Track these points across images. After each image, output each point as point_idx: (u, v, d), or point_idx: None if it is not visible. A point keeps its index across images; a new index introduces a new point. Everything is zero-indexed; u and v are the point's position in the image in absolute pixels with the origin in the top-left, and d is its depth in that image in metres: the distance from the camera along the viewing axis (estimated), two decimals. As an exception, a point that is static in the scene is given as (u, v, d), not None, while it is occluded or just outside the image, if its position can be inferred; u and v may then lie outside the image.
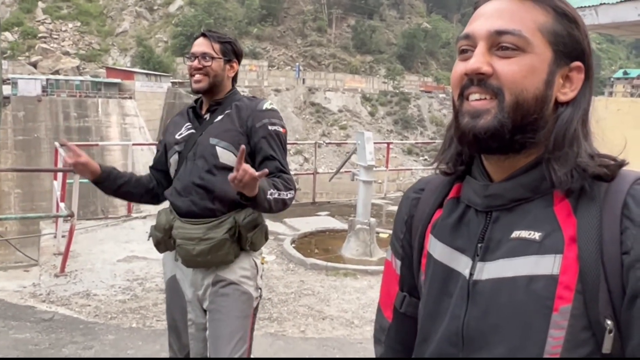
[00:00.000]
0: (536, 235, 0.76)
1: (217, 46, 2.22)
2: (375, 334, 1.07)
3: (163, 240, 2.23)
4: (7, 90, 42.02)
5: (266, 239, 2.31)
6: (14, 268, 5.89)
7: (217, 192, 2.14)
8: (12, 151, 41.20)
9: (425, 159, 57.76)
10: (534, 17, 0.78)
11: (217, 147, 2.15)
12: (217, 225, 2.13)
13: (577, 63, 0.80)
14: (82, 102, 47.06)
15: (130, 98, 50.31)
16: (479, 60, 0.78)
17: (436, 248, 0.90)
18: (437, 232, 0.90)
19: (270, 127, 2.17)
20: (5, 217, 6.53)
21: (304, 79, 67.15)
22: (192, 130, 2.25)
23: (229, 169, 2.09)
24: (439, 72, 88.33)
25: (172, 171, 2.30)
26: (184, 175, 2.20)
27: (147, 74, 56.46)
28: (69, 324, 4.03)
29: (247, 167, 1.74)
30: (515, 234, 0.78)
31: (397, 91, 70.10)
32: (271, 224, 7.68)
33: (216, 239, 2.11)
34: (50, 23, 75.35)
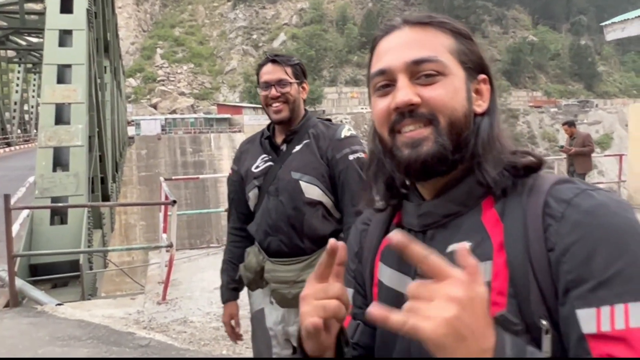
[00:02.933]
0: (465, 244, 0.74)
1: (289, 70, 2.09)
2: None
3: (254, 280, 2.18)
4: (131, 131, 46.04)
5: None
6: (122, 296, 6.35)
7: (305, 230, 2.05)
8: (136, 186, 44.78)
9: (539, 177, 54.81)
10: (441, 41, 0.82)
11: (300, 182, 2.04)
12: (309, 264, 2.05)
13: (483, 76, 0.85)
14: (196, 138, 50.29)
15: (240, 131, 53.00)
16: (407, 92, 0.79)
17: (385, 274, 0.90)
18: (386, 259, 0.91)
19: (351, 157, 2.05)
20: (113, 249, 7.15)
21: (405, 102, 66.92)
22: (270, 163, 2.14)
23: (316, 203, 2.06)
24: (549, 86, 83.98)
25: (251, 205, 2.21)
26: (269, 213, 2.09)
27: (254, 108, 59.32)
28: (163, 350, 4.24)
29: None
30: (450, 248, 0.78)
31: (504, 108, 67.54)
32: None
33: None
34: (167, 67, 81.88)
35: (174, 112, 69.48)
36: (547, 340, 0.69)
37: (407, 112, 0.80)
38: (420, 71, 0.80)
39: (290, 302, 2.09)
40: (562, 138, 9.64)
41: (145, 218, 40.77)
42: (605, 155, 31.14)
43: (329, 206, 2.09)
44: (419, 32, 0.82)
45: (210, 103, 75.01)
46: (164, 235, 6.37)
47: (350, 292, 0.99)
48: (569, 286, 0.68)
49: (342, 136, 2.09)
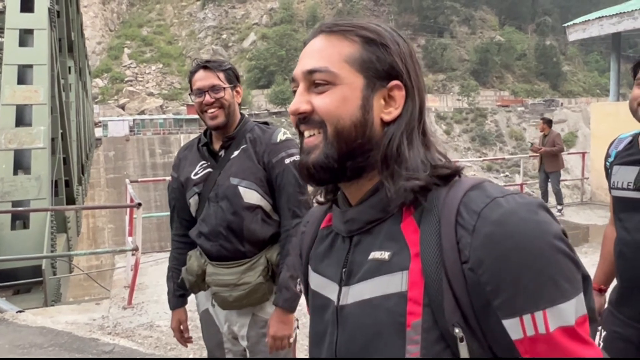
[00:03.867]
0: (386, 254, 0.79)
1: (222, 75, 2.11)
2: None
3: (196, 283, 2.20)
4: (98, 132, 45.14)
5: None
6: (87, 301, 6.21)
7: (245, 234, 2.09)
8: (104, 189, 44.03)
9: (507, 175, 55.81)
10: (339, 50, 0.83)
11: (239, 187, 2.08)
12: (250, 267, 2.09)
13: (395, 82, 0.83)
14: (165, 139, 49.68)
15: (210, 132, 52.46)
16: (297, 100, 0.85)
17: (312, 279, 0.93)
18: (312, 263, 0.95)
19: (286, 161, 2.10)
20: (76, 253, 6.98)
21: (376, 102, 67.56)
22: (209, 169, 2.17)
23: (255, 207, 2.10)
24: (515, 85, 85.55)
25: (192, 211, 2.23)
26: (209, 219, 2.12)
27: (224, 108, 58.70)
28: (127, 355, 4.16)
29: (278, 345, 2.08)
30: (372, 255, 0.81)
31: (473, 107, 68.58)
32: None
33: (251, 283, 2.07)
34: (135, 67, 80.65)
35: (142, 112, 68.45)
36: (463, 348, 0.72)
37: (301, 118, 0.84)
38: (314, 80, 0.83)
39: (231, 305, 2.13)
40: (529, 136, 9.86)
41: (114, 221, 40.11)
42: (569, 153, 31.82)
43: (267, 209, 2.13)
44: (324, 41, 0.85)
45: (179, 103, 74.09)
46: (130, 239, 6.26)
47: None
48: (489, 297, 0.71)
49: (278, 140, 2.14)
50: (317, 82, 0.83)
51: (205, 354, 4.45)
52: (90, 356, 4.04)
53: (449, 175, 0.80)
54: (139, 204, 5.59)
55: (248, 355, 2.25)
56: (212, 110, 2.08)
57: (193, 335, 5.06)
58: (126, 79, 78.17)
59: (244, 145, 2.14)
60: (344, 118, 0.81)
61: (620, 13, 9.42)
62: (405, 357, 0.75)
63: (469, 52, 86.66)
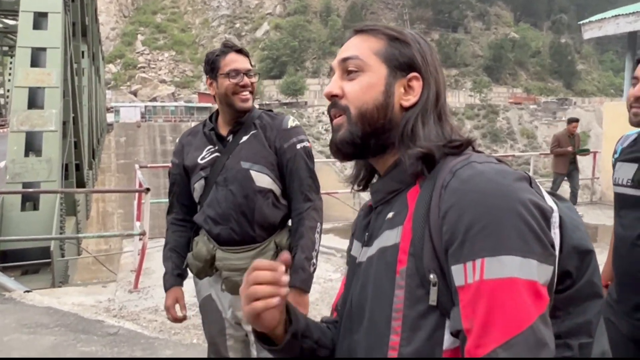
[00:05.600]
0: (390, 214, 0.93)
1: (249, 61, 2.18)
2: None
3: (203, 269, 2.20)
4: (110, 117, 45.31)
5: None
6: (94, 284, 6.27)
7: (257, 217, 2.11)
8: (115, 174, 44.20)
9: (517, 173, 55.44)
10: (369, 45, 0.98)
11: (250, 171, 2.10)
12: (260, 252, 2.11)
13: (414, 73, 0.97)
14: (176, 126, 49.68)
15: (220, 121, 52.54)
16: (332, 85, 0.99)
17: (352, 246, 1.08)
18: (355, 234, 1.09)
19: (298, 146, 2.15)
20: (84, 236, 7.09)
21: (387, 96, 67.36)
22: (217, 154, 2.17)
23: (267, 191, 2.12)
24: (529, 83, 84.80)
25: (196, 196, 2.23)
26: (218, 202, 2.13)
27: (235, 97, 58.73)
28: (131, 338, 4.20)
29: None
30: (387, 217, 0.94)
31: (485, 104, 68.07)
32: (342, 243, 7.64)
33: None
34: (148, 54, 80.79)
35: (154, 99, 68.64)
36: (433, 292, 0.80)
37: (332, 102, 0.98)
38: (347, 67, 0.97)
39: None
40: (541, 135, 9.74)
41: (123, 206, 40.24)
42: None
43: (278, 194, 2.17)
44: (357, 38, 1.00)
45: (191, 91, 74.25)
46: (138, 224, 6.31)
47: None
48: (447, 245, 0.79)
49: (289, 126, 2.19)
50: (349, 69, 0.97)
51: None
52: (95, 337, 4.09)
53: (460, 145, 0.90)
54: (147, 189, 5.63)
55: (251, 340, 2.26)
56: (246, 93, 2.12)
57: (197, 320, 5.10)
58: (139, 66, 78.41)
59: (254, 131, 2.17)
60: (368, 102, 0.94)
61: (637, 12, 9.31)
62: (397, 358, 0.83)
63: (482, 48, 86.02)
